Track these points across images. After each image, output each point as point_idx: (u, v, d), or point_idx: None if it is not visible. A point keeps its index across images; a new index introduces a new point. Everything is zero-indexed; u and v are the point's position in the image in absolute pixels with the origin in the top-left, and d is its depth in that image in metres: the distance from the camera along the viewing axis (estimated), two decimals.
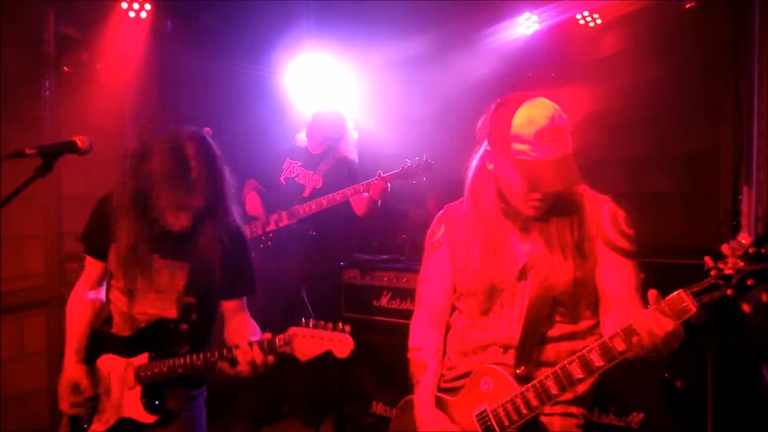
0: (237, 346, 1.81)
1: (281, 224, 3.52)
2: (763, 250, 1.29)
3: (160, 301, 2.02)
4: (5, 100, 3.22)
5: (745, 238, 1.32)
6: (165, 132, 1.95)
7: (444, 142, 3.95)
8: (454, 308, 1.87)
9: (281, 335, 1.76)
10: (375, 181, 3.32)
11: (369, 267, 3.35)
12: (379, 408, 3.20)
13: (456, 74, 4.08)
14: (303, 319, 1.75)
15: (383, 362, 3.19)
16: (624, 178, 3.77)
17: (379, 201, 3.43)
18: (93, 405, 2.03)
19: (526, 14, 3.92)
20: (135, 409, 1.98)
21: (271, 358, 1.81)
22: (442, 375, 1.84)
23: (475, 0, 4.01)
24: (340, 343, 1.70)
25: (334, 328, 1.70)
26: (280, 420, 3.78)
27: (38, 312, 3.44)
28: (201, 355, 1.91)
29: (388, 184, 3.33)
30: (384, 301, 3.27)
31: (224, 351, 1.85)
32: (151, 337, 2.02)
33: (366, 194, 3.38)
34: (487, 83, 3.93)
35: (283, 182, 3.67)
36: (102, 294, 2.19)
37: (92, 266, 2.17)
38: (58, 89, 3.53)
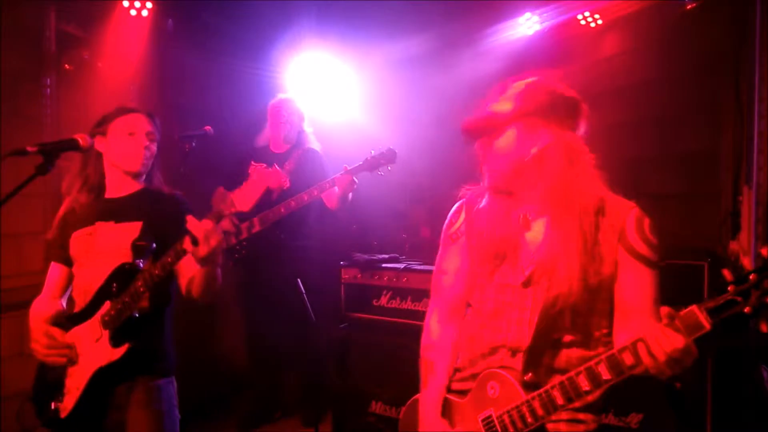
0: (188, 230, 1.87)
1: (254, 231, 3.45)
2: None
3: (117, 259, 2.08)
4: (6, 97, 3.22)
5: (766, 252, 1.26)
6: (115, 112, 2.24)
7: (444, 142, 3.95)
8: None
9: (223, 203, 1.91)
10: (341, 176, 3.31)
11: (369, 266, 3.34)
12: (378, 407, 3.19)
13: (457, 74, 4.08)
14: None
15: (383, 361, 3.19)
16: (624, 179, 3.74)
17: (350, 195, 3.41)
18: (71, 358, 2.06)
19: (527, 14, 3.92)
20: (103, 353, 2.00)
21: (220, 232, 1.89)
22: (452, 375, 1.82)
23: (476, 0, 4.01)
24: (272, 176, 1.86)
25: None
26: (271, 422, 3.77)
27: None
28: (157, 263, 1.96)
29: (355, 178, 3.31)
30: (384, 301, 3.26)
31: (176, 245, 1.91)
32: (109, 287, 2.06)
33: (335, 189, 3.38)
34: (487, 83, 3.90)
35: None
36: (62, 304, 2.25)
37: (54, 274, 2.25)
38: (59, 87, 3.54)
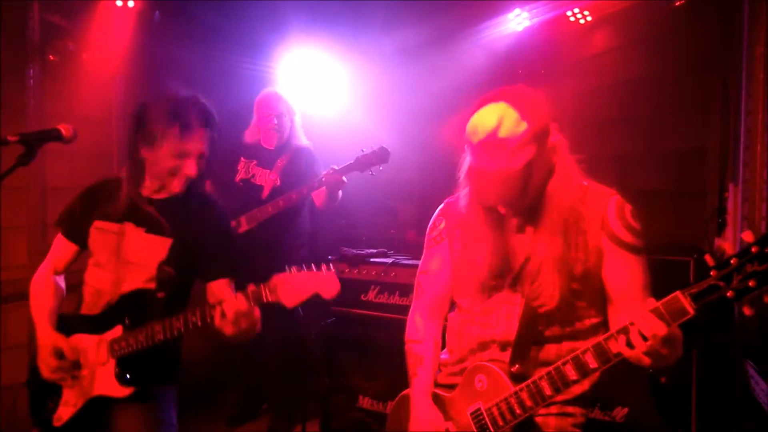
0: (222, 301, 1.79)
1: (240, 230, 3.38)
2: (766, 250, 1.21)
3: (138, 274, 2.01)
4: None
5: (748, 236, 1.25)
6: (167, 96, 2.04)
7: (434, 138, 3.96)
8: (453, 304, 1.86)
9: (265, 284, 1.76)
10: (329, 175, 3.23)
11: (357, 261, 3.33)
12: (365, 402, 3.19)
13: (447, 70, 4.08)
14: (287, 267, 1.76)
15: (370, 356, 3.18)
16: (611, 176, 3.79)
17: (339, 193, 3.35)
18: (73, 375, 1.97)
19: (517, 10, 3.92)
20: (108, 384, 1.93)
21: (257, 311, 1.80)
22: (439, 370, 1.83)
23: None
24: (326, 283, 1.71)
25: (318, 269, 1.72)
26: (257, 418, 3.73)
27: (21, 304, 3.39)
28: (180, 316, 1.86)
29: (344, 177, 3.23)
30: (371, 296, 3.26)
31: (206, 308, 1.83)
32: (124, 310, 1.98)
33: (324, 188, 3.31)
34: (477, 79, 3.92)
35: (240, 184, 3.56)
36: (63, 283, 2.17)
37: (62, 249, 2.14)
38: (42, 78, 3.48)
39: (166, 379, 2.09)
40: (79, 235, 2.11)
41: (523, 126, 1.53)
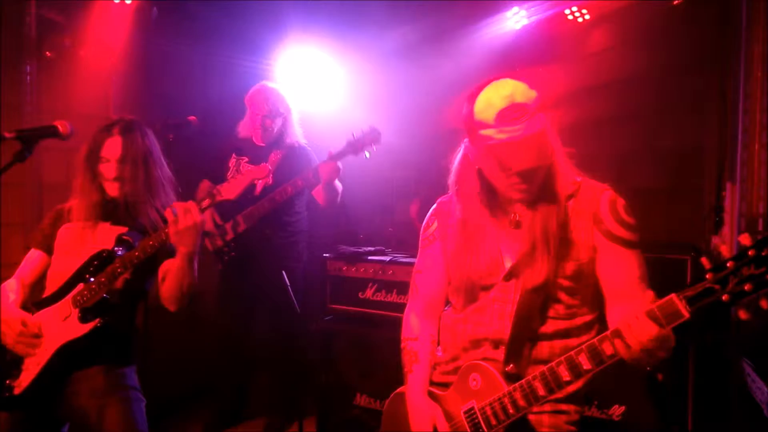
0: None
1: (239, 230, 3.33)
2: (763, 253, 1.20)
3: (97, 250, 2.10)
4: None
5: (745, 239, 1.24)
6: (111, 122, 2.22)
7: (433, 136, 3.96)
8: (447, 302, 1.87)
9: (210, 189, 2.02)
10: (323, 163, 3.18)
11: (355, 259, 3.33)
12: (362, 400, 3.19)
13: (444, 68, 4.07)
14: None
15: (367, 354, 3.18)
16: (609, 173, 3.76)
17: (338, 186, 3.29)
18: (35, 345, 2.04)
19: (515, 8, 3.92)
20: (69, 329, 2.01)
21: (199, 217, 1.93)
22: (434, 368, 1.84)
23: None
24: (259, 170, 2.08)
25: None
26: (237, 425, 3.64)
27: None
28: (138, 245, 2.01)
29: (339, 163, 3.17)
30: (369, 293, 3.25)
31: (160, 230, 1.99)
32: (85, 270, 2.07)
33: (319, 182, 3.24)
34: (475, 77, 3.89)
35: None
36: (29, 291, 2.24)
37: (32, 261, 2.24)
38: (39, 75, 3.48)
39: (125, 360, 2.16)
40: (47, 243, 2.22)
41: (534, 93, 1.54)
